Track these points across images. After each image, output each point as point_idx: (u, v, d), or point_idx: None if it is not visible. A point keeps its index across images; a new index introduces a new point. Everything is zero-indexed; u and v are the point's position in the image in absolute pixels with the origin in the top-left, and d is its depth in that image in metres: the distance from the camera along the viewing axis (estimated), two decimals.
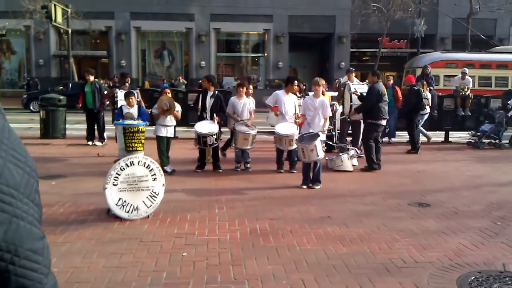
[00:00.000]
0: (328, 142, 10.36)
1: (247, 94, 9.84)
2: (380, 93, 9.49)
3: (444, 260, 4.69)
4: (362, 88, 11.07)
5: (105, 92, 12.66)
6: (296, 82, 9.54)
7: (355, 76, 12.28)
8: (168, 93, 9.18)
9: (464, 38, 25.94)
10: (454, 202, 7.10)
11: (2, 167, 0.89)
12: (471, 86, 14.77)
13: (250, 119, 9.39)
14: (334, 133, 11.51)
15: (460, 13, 28.39)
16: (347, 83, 11.54)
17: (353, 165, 9.57)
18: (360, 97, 10.05)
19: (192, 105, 11.15)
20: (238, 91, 9.55)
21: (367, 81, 11.08)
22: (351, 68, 13.20)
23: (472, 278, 4.27)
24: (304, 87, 11.90)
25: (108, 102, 12.98)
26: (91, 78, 12.29)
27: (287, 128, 8.80)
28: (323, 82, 8.59)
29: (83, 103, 12.39)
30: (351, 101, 10.49)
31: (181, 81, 30.08)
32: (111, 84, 22.28)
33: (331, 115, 8.55)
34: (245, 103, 9.41)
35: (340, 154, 9.89)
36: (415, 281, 4.18)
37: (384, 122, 9.75)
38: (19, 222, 0.91)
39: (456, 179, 8.92)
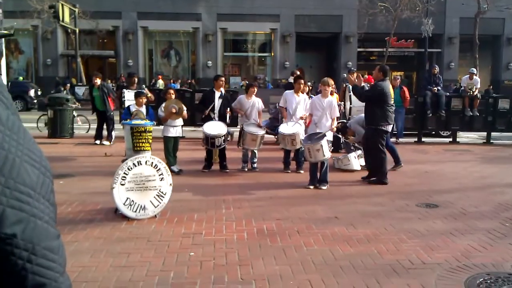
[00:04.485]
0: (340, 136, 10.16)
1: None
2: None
3: (452, 262, 4.67)
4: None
5: (114, 94, 12.64)
6: (300, 80, 9.44)
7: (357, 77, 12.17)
8: (172, 94, 9.19)
9: (472, 37, 25.76)
10: (462, 203, 7.07)
11: (19, 167, 0.91)
12: (479, 86, 14.67)
13: (259, 119, 9.38)
14: None
15: (467, 12, 28.24)
16: (347, 84, 11.43)
17: (360, 165, 9.54)
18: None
19: (197, 103, 11.16)
20: (249, 91, 9.52)
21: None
22: (352, 69, 13.15)
23: (480, 280, 4.25)
24: (310, 88, 11.69)
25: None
26: (98, 81, 12.25)
27: (290, 127, 8.78)
28: (331, 82, 8.56)
29: (93, 106, 12.40)
30: (350, 103, 10.41)
31: (160, 81, 29.64)
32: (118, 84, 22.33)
33: (338, 115, 8.52)
34: (253, 103, 9.39)
35: (347, 153, 9.87)
36: (422, 283, 4.16)
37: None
38: (37, 221, 0.92)
39: (464, 180, 8.87)
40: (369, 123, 8.40)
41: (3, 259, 0.88)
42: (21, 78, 28.84)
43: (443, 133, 14.89)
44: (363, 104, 8.95)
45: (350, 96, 10.56)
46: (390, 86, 8.68)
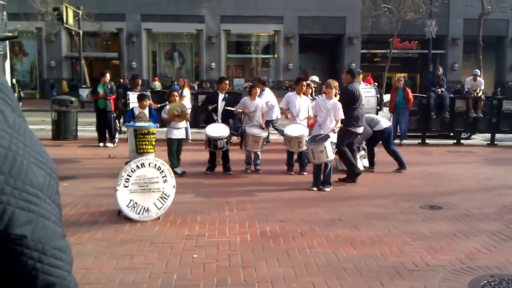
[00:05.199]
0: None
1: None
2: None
3: (456, 264, 4.65)
4: (370, 91, 11.02)
5: (115, 95, 12.68)
6: (303, 82, 9.46)
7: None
8: (176, 96, 9.22)
9: (476, 39, 25.66)
10: (466, 204, 7.04)
11: (27, 169, 0.92)
12: (483, 87, 14.62)
13: (262, 120, 9.38)
14: None
15: (471, 13, 28.17)
16: None
17: (364, 166, 9.53)
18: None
19: (201, 105, 11.16)
20: (252, 93, 9.52)
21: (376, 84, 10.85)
22: (359, 70, 13.10)
23: (484, 282, 4.23)
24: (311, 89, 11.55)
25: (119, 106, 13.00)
26: (108, 76, 12.27)
27: (297, 129, 8.77)
28: (335, 84, 8.56)
29: (95, 103, 12.44)
30: None
31: (156, 83, 29.53)
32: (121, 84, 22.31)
33: (343, 117, 8.52)
34: (257, 105, 9.39)
35: None
36: (426, 285, 4.15)
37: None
38: (45, 221, 0.93)
39: (468, 182, 8.84)
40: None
41: (14, 259, 0.89)
42: (14, 80, 28.89)
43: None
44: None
45: None
46: (360, 88, 8.92)
